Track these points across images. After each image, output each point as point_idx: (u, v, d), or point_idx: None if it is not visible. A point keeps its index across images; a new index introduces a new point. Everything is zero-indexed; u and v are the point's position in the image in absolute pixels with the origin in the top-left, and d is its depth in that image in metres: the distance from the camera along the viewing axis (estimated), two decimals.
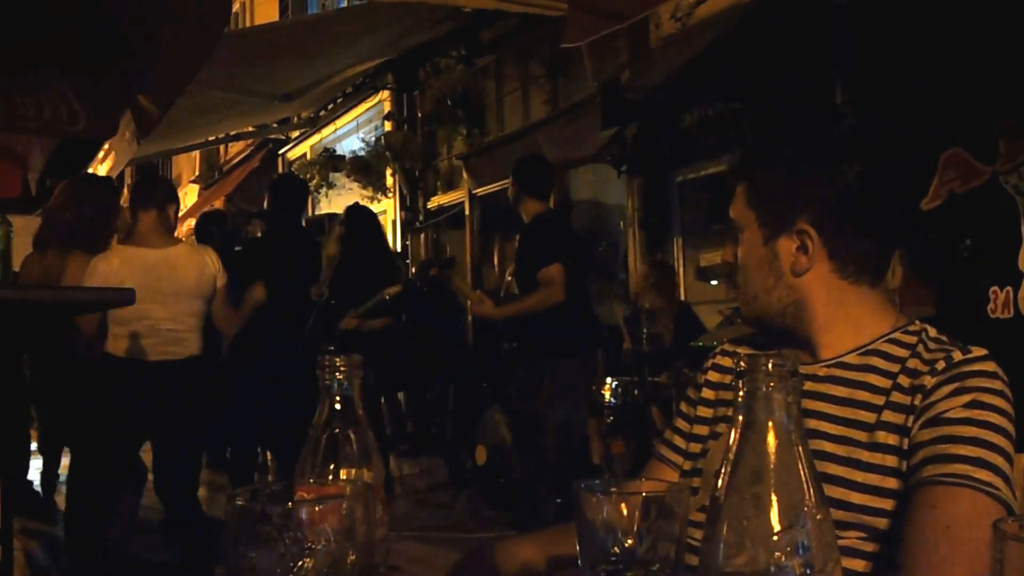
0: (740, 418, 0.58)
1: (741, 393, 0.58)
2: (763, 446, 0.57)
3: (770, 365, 0.59)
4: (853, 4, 4.71)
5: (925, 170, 4.22)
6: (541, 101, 7.92)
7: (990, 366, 1.18)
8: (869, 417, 1.19)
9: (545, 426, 4.21)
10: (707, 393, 1.40)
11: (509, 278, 4.67)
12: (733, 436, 0.60)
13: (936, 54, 4.14)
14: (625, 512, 0.68)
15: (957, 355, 1.19)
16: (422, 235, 9.82)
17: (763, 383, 0.58)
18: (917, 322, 1.28)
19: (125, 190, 6.62)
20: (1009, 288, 3.90)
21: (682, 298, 6.12)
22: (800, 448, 0.57)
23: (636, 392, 5.16)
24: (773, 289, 1.27)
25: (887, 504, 1.14)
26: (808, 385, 1.25)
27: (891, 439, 1.17)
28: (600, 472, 5.13)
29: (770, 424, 0.57)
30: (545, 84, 7.84)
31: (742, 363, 0.60)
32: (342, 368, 0.83)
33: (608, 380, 5.11)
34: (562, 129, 6.98)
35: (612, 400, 5.09)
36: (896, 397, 1.19)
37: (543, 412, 4.22)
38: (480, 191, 8.50)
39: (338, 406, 0.83)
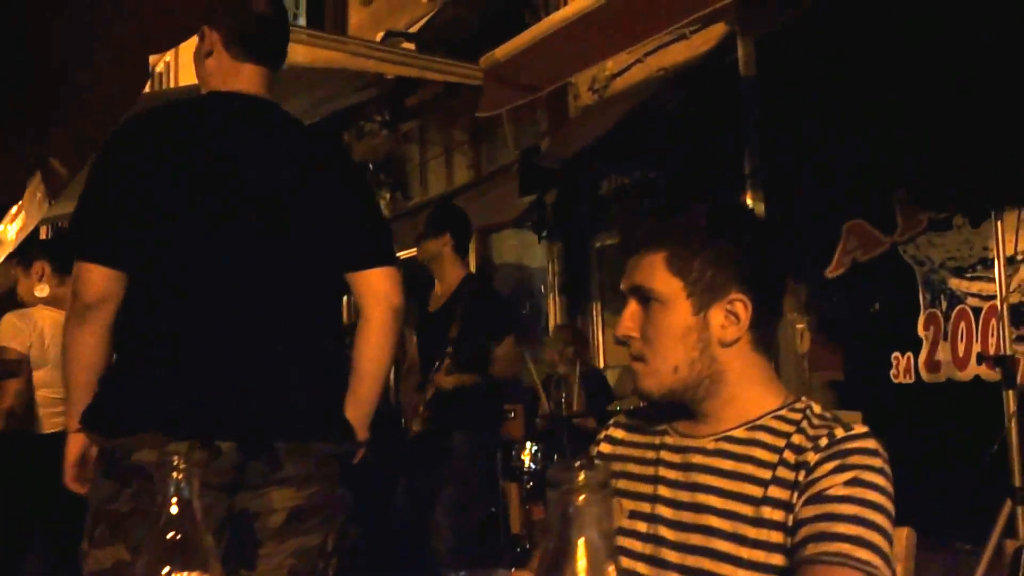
0: (552, 531, 0.56)
1: (552, 505, 0.57)
2: (573, 563, 0.56)
3: (582, 477, 0.58)
4: (761, 80, 4.90)
5: (829, 239, 4.38)
6: (464, 166, 8.01)
7: (871, 443, 1.20)
8: (756, 492, 1.21)
9: (444, 502, 3.95)
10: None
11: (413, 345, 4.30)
12: (544, 550, 0.58)
13: (838, 128, 4.33)
14: None
15: (839, 432, 1.20)
16: (344, 297, 9.75)
17: (574, 496, 0.57)
18: (803, 399, 1.30)
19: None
20: (910, 354, 4.05)
21: (601, 363, 6.17)
22: (611, 567, 0.56)
23: (556, 456, 5.16)
24: (697, 360, 1.26)
25: None
26: (697, 459, 1.27)
27: (776, 515, 1.18)
28: (520, 541, 5.09)
29: (581, 542, 0.56)
30: (468, 150, 7.93)
31: (552, 473, 0.59)
32: (181, 467, 0.79)
33: (528, 444, 5.09)
34: (484, 194, 7.06)
35: (532, 465, 5.07)
36: (781, 473, 1.20)
37: (446, 487, 3.93)
38: (403, 255, 8.50)
39: (175, 509, 0.79)
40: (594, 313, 6.56)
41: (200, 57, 1.97)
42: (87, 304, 1.82)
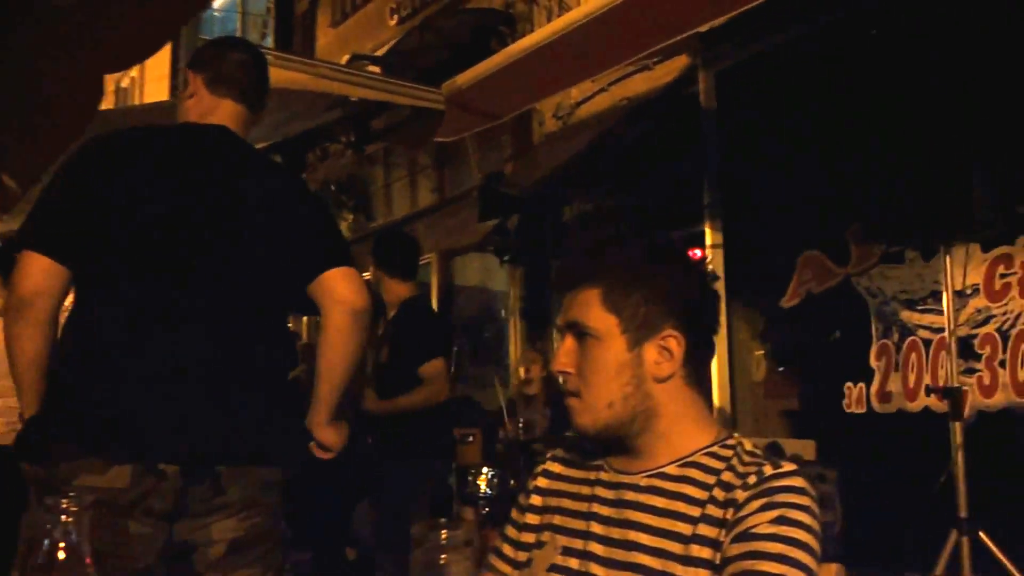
0: None
1: (416, 564, 0.57)
2: None
3: (444, 536, 0.58)
4: (721, 112, 4.98)
5: (785, 269, 4.44)
6: (428, 189, 8.02)
7: (798, 482, 1.20)
8: (685, 529, 1.21)
9: (383, 537, 3.92)
10: (535, 499, 1.39)
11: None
12: None
13: (795, 161, 4.39)
14: None
15: (768, 470, 1.21)
16: (304, 319, 9.69)
17: (438, 555, 0.57)
18: (735, 435, 1.31)
19: None
20: (862, 384, 4.10)
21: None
22: None
23: (512, 482, 5.14)
24: (631, 396, 1.26)
25: None
26: (629, 495, 1.27)
27: (705, 553, 1.19)
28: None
29: None
30: (432, 173, 7.95)
31: (416, 531, 0.59)
32: (71, 511, 0.72)
33: (484, 470, 5.07)
34: (447, 218, 7.08)
35: (488, 491, 5.05)
36: (711, 510, 1.21)
37: (385, 521, 3.89)
38: (365, 276, 8.48)
39: (62, 555, 0.71)
40: (555, 338, 6.57)
41: (183, 99, 2.04)
42: (21, 297, 1.80)
